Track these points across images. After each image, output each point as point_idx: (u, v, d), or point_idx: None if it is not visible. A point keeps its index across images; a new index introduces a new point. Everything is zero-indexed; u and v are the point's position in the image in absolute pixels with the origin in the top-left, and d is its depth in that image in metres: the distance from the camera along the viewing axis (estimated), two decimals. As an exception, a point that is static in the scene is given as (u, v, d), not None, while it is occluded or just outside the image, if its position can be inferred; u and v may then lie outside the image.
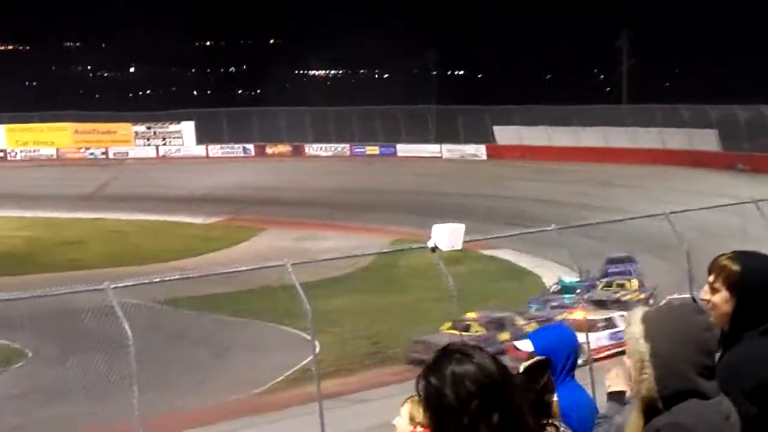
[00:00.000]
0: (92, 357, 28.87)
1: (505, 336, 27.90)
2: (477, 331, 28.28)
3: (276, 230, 51.78)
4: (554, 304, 31.51)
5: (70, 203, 59.08)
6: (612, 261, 36.62)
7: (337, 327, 30.18)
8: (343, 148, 68.58)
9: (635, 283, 33.75)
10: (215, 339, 31.11)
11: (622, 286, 33.48)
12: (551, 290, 34.32)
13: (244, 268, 24.98)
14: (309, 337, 26.79)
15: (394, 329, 30.26)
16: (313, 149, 69.35)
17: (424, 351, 27.29)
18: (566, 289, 33.33)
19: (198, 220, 55.66)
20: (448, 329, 28.48)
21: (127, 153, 72.07)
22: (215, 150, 71.03)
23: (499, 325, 28.99)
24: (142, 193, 61.39)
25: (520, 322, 29.18)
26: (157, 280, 21.38)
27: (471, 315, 29.00)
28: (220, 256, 45.33)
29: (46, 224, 55.34)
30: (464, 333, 28.04)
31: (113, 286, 17.22)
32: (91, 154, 72.32)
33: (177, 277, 24.92)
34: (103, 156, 71.89)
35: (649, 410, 2.92)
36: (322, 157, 68.16)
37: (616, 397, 4.89)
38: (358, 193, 58.06)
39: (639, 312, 2.99)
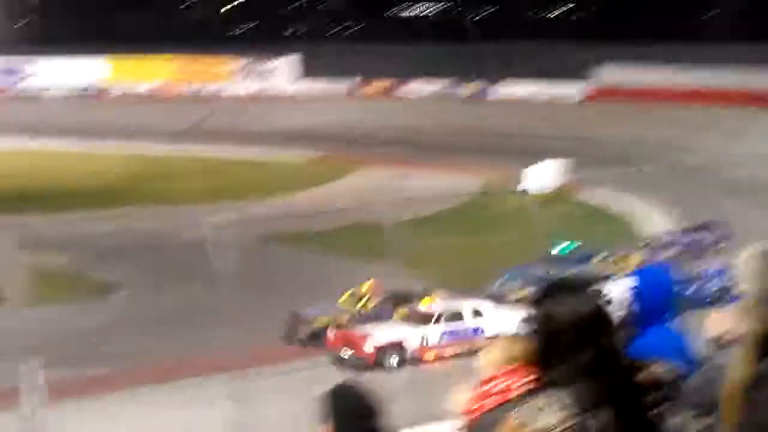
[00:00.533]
0: (186, 289, 29.40)
1: (403, 312, 26.67)
2: (367, 307, 27.17)
3: (370, 168, 51.75)
4: (539, 275, 27.17)
5: (168, 138, 59.73)
6: (687, 230, 33.73)
7: (426, 267, 30.16)
8: (440, 87, 68.09)
9: (637, 257, 30.03)
10: (306, 276, 31.31)
11: (624, 259, 29.83)
12: (541, 259, 30.15)
13: (338, 207, 25.09)
14: (398, 276, 27.00)
15: (483, 270, 30.07)
16: (410, 88, 68.99)
17: (291, 322, 26.75)
18: (557, 259, 30.30)
19: (294, 157, 55.88)
20: (345, 298, 27.71)
21: (225, 89, 72.60)
22: (313, 87, 71.10)
23: (402, 299, 27.44)
24: (239, 129, 61.82)
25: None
26: (252, 216, 21.61)
27: (367, 284, 27.70)
28: (314, 194, 45.48)
29: (144, 159, 56.08)
30: (351, 309, 27.11)
31: (209, 221, 17.39)
32: (191, 89, 72.98)
33: (270, 214, 25.11)
34: (202, 92, 72.50)
35: (762, 348, 2.81)
36: (420, 96, 67.81)
37: (717, 340, 4.85)
38: (453, 133, 57.68)
39: (750, 250, 2.90)
